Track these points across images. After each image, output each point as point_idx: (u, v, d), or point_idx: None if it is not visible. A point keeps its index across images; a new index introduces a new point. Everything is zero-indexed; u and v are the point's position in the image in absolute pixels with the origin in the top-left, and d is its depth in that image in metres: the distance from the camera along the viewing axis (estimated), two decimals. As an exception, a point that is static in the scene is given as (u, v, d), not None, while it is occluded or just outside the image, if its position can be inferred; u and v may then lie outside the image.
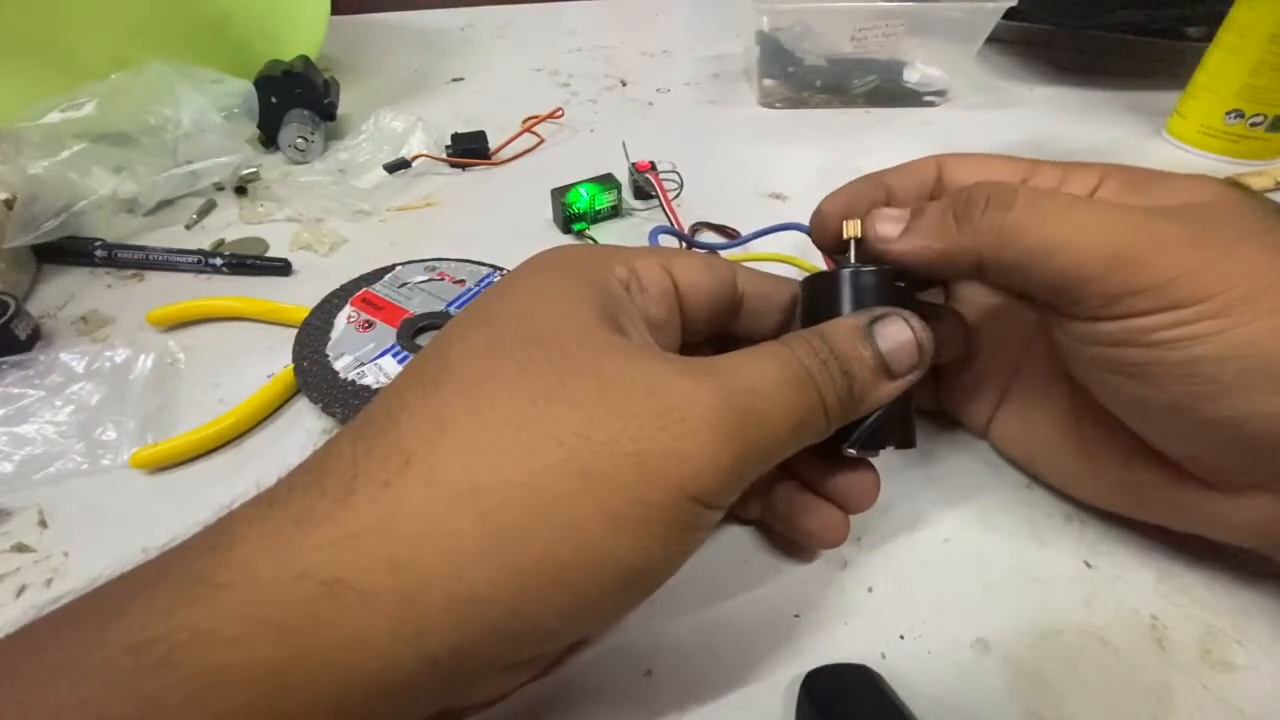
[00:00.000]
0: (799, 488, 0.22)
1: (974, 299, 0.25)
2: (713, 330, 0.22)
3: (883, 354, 0.18)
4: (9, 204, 0.35)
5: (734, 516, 0.24)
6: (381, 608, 0.14)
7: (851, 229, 0.21)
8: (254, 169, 0.44)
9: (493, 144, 0.48)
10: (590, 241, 0.39)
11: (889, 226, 0.21)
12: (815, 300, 0.21)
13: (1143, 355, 0.18)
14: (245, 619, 0.13)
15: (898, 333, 0.19)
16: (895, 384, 0.19)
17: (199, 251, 0.37)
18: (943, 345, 0.23)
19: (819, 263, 0.36)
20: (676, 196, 0.42)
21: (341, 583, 0.14)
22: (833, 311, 0.20)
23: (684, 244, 0.38)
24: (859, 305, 0.20)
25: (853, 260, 0.21)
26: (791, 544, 0.23)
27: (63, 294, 0.36)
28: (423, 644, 0.14)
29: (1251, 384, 0.17)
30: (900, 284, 0.21)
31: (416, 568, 0.14)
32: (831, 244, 0.23)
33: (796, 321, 0.23)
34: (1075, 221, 0.18)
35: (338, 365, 0.29)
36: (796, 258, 0.36)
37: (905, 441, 0.20)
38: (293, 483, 0.15)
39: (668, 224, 0.38)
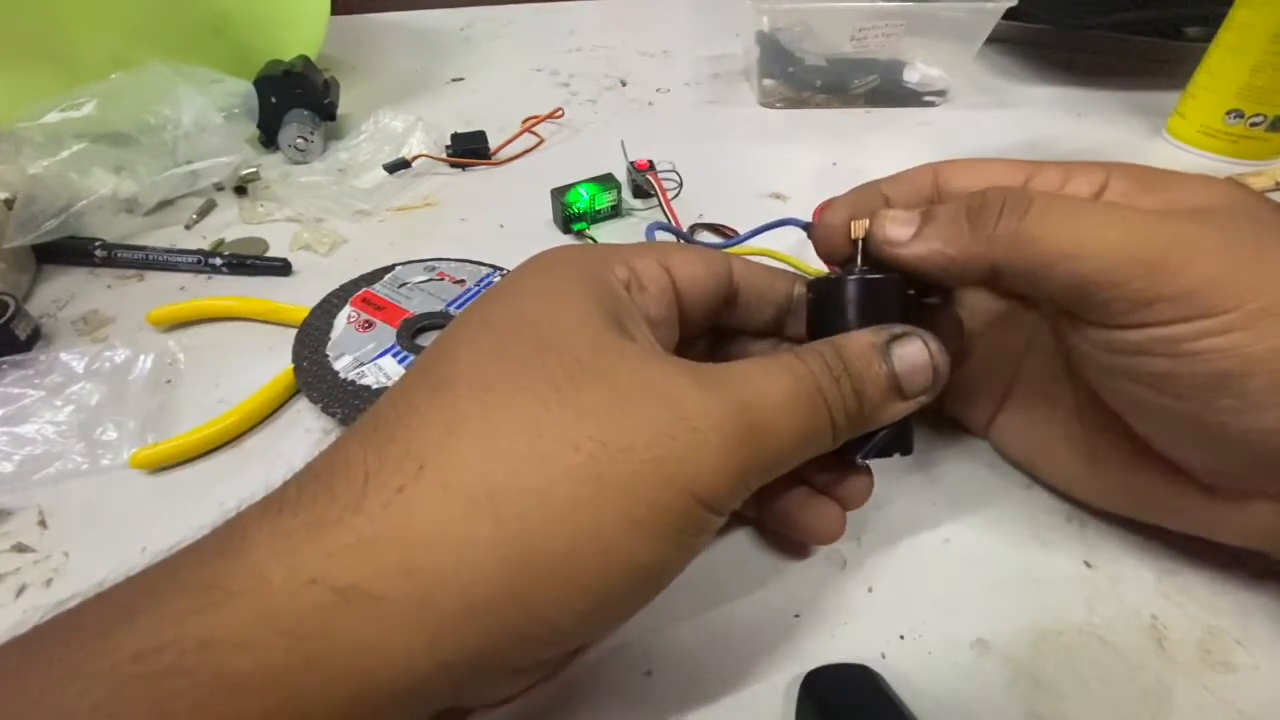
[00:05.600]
0: (796, 485, 0.22)
1: (973, 300, 0.24)
2: (709, 324, 0.22)
3: (897, 374, 0.18)
4: (9, 204, 0.35)
5: (732, 514, 0.24)
6: (397, 614, 0.14)
7: (858, 229, 0.21)
8: (254, 169, 0.44)
9: (493, 144, 0.48)
10: (590, 241, 0.39)
11: (899, 229, 0.20)
12: (823, 306, 0.21)
13: (1166, 365, 0.17)
14: (256, 625, 0.13)
15: (915, 354, 0.18)
16: (905, 405, 0.19)
17: (199, 251, 0.37)
18: None
19: (816, 261, 0.36)
20: (676, 196, 0.42)
21: (356, 589, 0.14)
22: (842, 320, 0.20)
23: (681, 241, 0.38)
24: (870, 315, 0.20)
25: (859, 263, 0.21)
26: (789, 541, 0.23)
27: (63, 294, 0.36)
28: (438, 649, 0.14)
29: (1277, 400, 0.16)
30: (910, 292, 0.20)
31: (432, 573, 0.14)
32: (840, 257, 0.22)
33: (793, 317, 0.23)
34: (1096, 225, 0.18)
35: (338, 365, 0.29)
36: (793, 257, 0.36)
37: (905, 449, 0.20)
38: (301, 488, 0.15)
39: (665, 222, 0.38)
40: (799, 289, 0.23)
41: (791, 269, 0.35)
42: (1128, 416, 0.20)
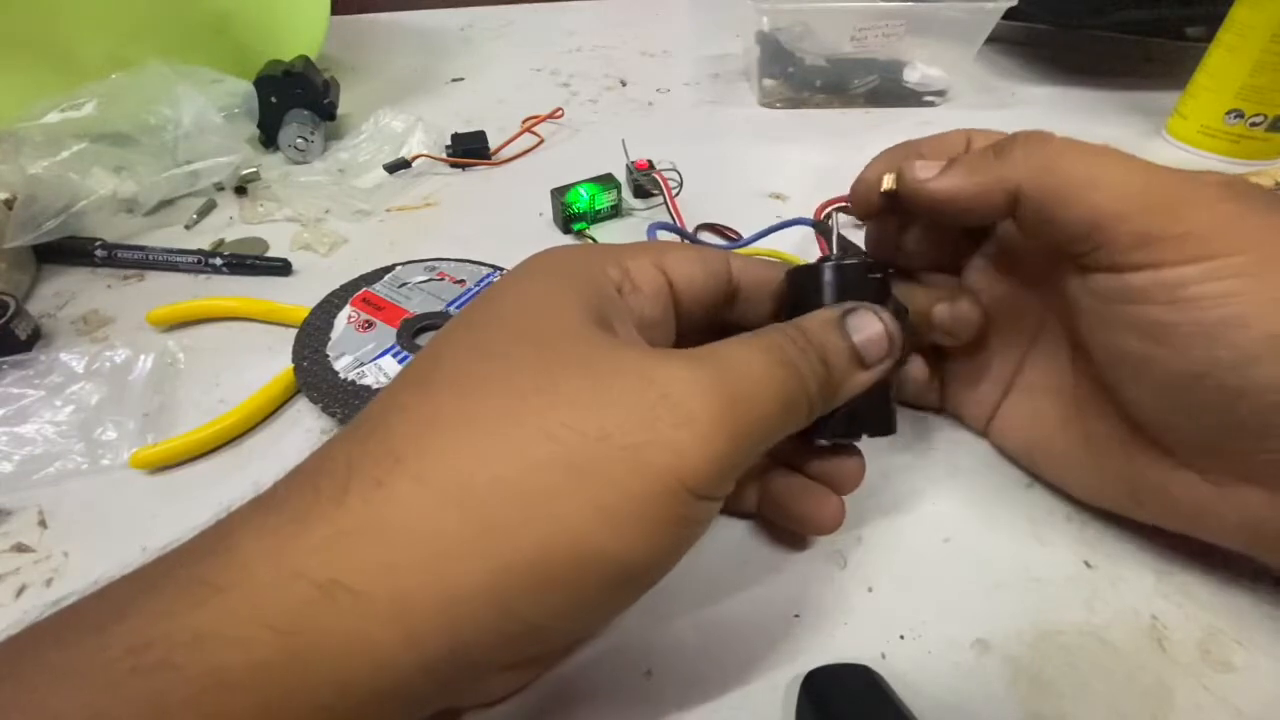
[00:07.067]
0: (792, 474, 0.22)
1: (984, 290, 0.25)
2: (709, 321, 0.23)
3: (856, 345, 0.19)
4: (9, 204, 0.35)
5: (729, 510, 0.24)
6: (375, 609, 0.14)
7: (889, 181, 0.23)
8: (254, 169, 0.44)
9: (493, 144, 0.48)
10: (590, 241, 0.39)
11: (927, 170, 0.22)
12: (795, 292, 0.22)
13: (1165, 314, 0.18)
14: (244, 620, 0.13)
15: (868, 325, 0.19)
16: (869, 374, 0.19)
17: (199, 251, 0.37)
18: (959, 326, 0.23)
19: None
20: (677, 195, 0.42)
21: (336, 583, 0.14)
22: (811, 302, 0.21)
23: (684, 240, 0.37)
24: (835, 296, 0.21)
25: (861, 242, 0.22)
26: (788, 538, 0.23)
27: (63, 294, 0.36)
28: (417, 646, 0.14)
29: (1275, 352, 0.16)
30: (876, 275, 0.21)
31: (407, 567, 0.14)
32: (872, 210, 0.24)
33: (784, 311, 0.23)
34: (1114, 161, 0.19)
35: (338, 365, 0.29)
36: (797, 257, 0.36)
37: (885, 428, 0.21)
38: (289, 485, 0.15)
39: (668, 220, 0.38)
40: None
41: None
42: (1126, 384, 0.20)
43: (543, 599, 0.15)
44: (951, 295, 0.24)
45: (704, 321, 0.22)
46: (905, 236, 0.25)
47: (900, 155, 0.24)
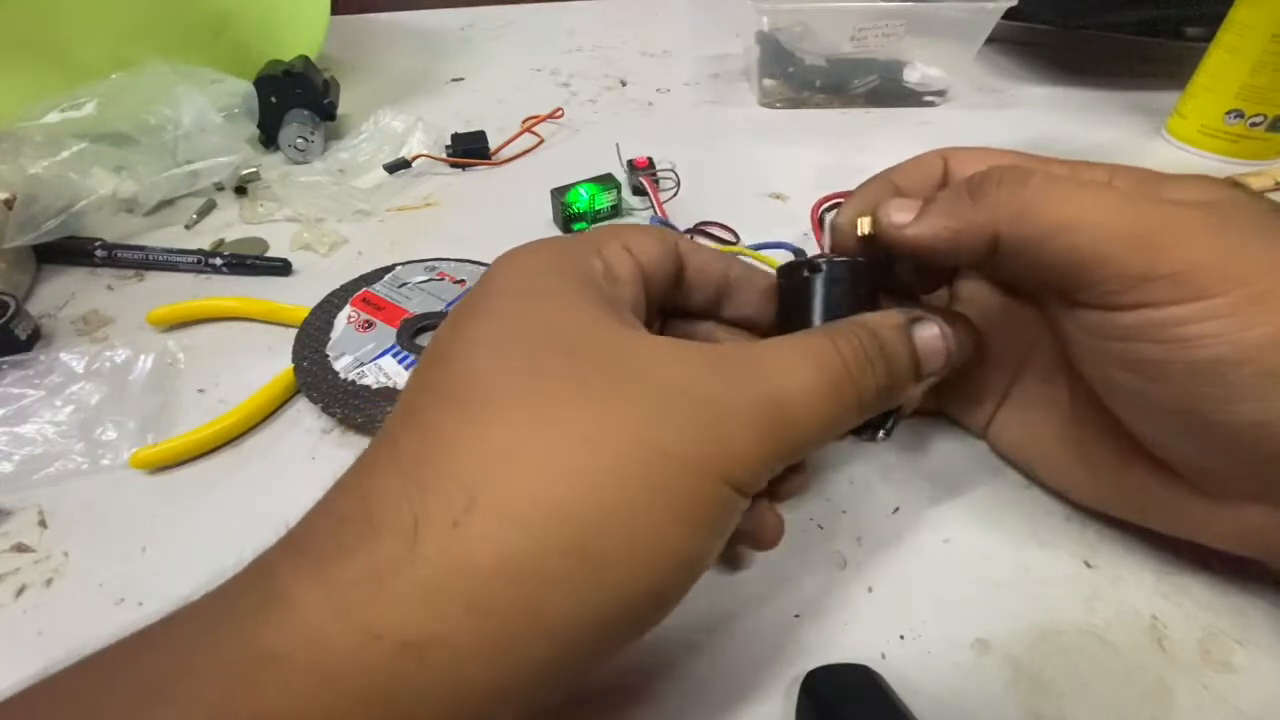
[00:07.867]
0: None
1: (978, 299, 0.24)
2: (661, 302, 0.22)
3: (919, 355, 0.19)
4: (9, 204, 0.35)
5: None
6: (471, 657, 0.13)
7: (864, 225, 0.21)
8: (254, 169, 0.44)
9: (493, 144, 0.48)
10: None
11: (902, 214, 0.20)
12: (798, 291, 0.21)
13: (1156, 352, 0.17)
14: (317, 692, 0.12)
15: (933, 336, 0.19)
16: (921, 385, 0.19)
17: (199, 251, 0.37)
18: (958, 354, 0.23)
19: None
20: (675, 195, 0.42)
21: (424, 638, 0.13)
22: (805, 307, 0.20)
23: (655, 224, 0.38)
24: (855, 300, 0.20)
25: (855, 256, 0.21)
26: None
27: (63, 294, 0.36)
28: (516, 683, 0.14)
29: (1267, 389, 0.16)
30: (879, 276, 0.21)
31: (504, 610, 0.13)
32: (853, 253, 0.23)
33: (729, 299, 0.23)
34: (1095, 201, 0.18)
35: (338, 365, 0.29)
36: (773, 260, 0.36)
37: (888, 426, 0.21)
38: (341, 537, 0.14)
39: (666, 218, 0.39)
40: (735, 271, 0.22)
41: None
42: (1119, 410, 0.20)
43: (635, 609, 0.15)
44: (946, 318, 0.23)
45: (659, 303, 0.22)
46: (895, 267, 0.24)
47: (875, 192, 0.22)
